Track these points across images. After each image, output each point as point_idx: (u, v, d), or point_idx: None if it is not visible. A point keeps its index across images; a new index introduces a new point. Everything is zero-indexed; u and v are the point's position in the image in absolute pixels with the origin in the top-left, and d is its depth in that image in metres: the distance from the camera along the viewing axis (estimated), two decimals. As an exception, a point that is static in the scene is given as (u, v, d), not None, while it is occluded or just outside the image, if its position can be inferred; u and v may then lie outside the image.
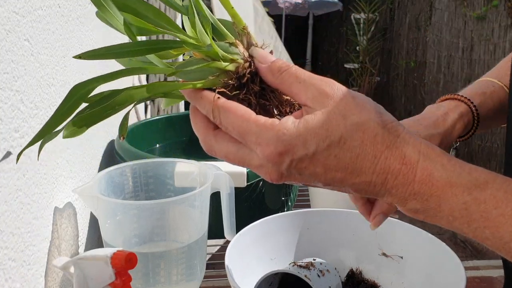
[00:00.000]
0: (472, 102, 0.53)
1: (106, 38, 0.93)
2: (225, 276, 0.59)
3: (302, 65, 6.30)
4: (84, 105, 0.38)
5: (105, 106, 0.34)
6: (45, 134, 0.36)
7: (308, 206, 0.93)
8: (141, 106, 1.37)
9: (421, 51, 4.03)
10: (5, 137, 0.50)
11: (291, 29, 6.08)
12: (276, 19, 4.44)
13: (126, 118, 0.39)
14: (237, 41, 0.38)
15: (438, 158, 0.34)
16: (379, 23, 4.78)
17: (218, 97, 0.36)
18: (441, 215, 0.34)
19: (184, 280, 0.68)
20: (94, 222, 0.82)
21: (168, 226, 0.68)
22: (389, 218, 0.66)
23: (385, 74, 4.87)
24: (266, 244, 0.68)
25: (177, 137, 1.13)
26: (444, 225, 0.35)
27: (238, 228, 0.67)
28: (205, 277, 0.73)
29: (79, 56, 0.35)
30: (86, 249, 0.78)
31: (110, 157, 0.96)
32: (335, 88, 0.35)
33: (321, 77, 0.36)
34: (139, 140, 1.03)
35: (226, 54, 0.37)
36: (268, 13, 4.27)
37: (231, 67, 0.37)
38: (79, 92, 0.36)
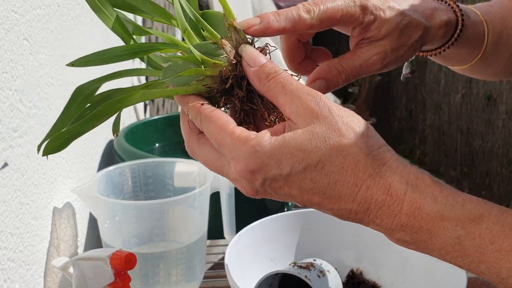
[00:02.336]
0: (462, 16, 0.45)
1: (105, 37, 0.92)
2: (225, 276, 0.59)
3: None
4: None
5: (92, 116, 0.33)
6: (53, 134, 0.35)
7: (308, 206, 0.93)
8: (140, 106, 1.37)
9: (422, 51, 4.01)
10: (4, 136, 0.49)
11: (292, 29, 6.07)
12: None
13: (119, 115, 0.38)
14: (223, 40, 0.36)
15: (428, 189, 0.32)
16: (380, 22, 4.77)
17: (202, 104, 0.35)
18: (433, 248, 0.32)
19: (183, 281, 0.68)
20: (93, 222, 0.81)
21: (167, 226, 0.68)
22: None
23: (385, 74, 4.87)
24: (266, 244, 0.67)
25: (177, 137, 1.12)
26: (436, 257, 0.33)
27: (238, 228, 0.67)
28: (204, 277, 0.73)
29: (72, 64, 0.34)
30: (85, 250, 0.77)
31: (109, 157, 0.95)
32: (321, 104, 0.32)
33: (309, 90, 0.33)
34: (138, 140, 1.02)
35: (207, 58, 0.35)
36: (268, 12, 4.26)
37: (212, 71, 0.35)
38: (83, 93, 0.35)
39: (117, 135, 0.39)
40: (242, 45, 0.36)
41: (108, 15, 0.36)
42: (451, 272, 0.58)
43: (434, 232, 0.31)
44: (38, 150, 0.35)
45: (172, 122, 1.14)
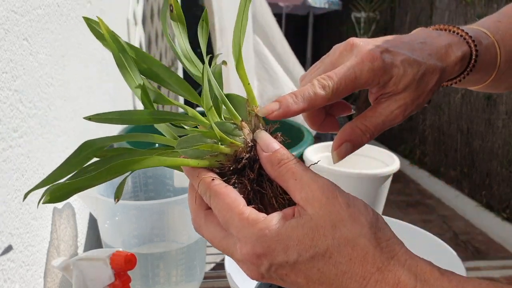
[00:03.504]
0: (476, 46, 0.44)
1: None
2: (225, 277, 0.59)
3: (302, 64, 6.31)
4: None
5: (103, 171, 0.33)
6: (50, 182, 0.35)
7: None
8: (140, 105, 1.37)
9: (422, 51, 4.00)
10: (4, 137, 0.49)
11: (291, 28, 6.07)
12: (276, 18, 4.44)
13: (124, 181, 0.39)
14: (243, 122, 0.37)
15: (437, 282, 0.31)
16: (380, 22, 4.78)
17: (213, 179, 0.35)
18: None
19: (183, 281, 0.68)
20: (93, 223, 0.81)
21: (167, 226, 0.68)
22: (389, 218, 0.66)
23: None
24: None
25: (177, 137, 1.13)
26: None
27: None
28: (204, 277, 0.73)
29: (89, 118, 0.35)
30: (85, 250, 0.77)
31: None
32: (329, 193, 0.32)
33: (318, 177, 0.33)
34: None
35: (225, 137, 0.36)
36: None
37: (228, 150, 0.36)
38: (88, 149, 0.36)
39: (118, 200, 0.40)
40: (257, 131, 0.37)
41: (135, 81, 0.37)
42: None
43: None
44: (25, 197, 0.35)
45: (172, 122, 1.14)
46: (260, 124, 0.37)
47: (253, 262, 0.32)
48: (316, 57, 6.48)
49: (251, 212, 0.33)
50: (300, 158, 0.82)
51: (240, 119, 0.37)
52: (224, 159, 0.36)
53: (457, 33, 0.45)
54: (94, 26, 0.38)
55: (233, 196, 0.34)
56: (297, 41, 6.61)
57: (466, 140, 3.23)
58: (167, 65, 1.98)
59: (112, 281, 0.56)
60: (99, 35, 0.39)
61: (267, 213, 0.34)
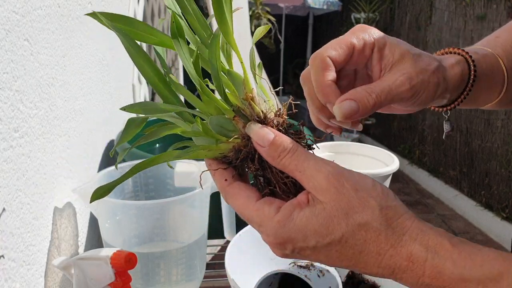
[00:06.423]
0: (471, 57, 0.47)
1: (105, 38, 0.92)
2: (225, 276, 0.59)
3: (302, 64, 6.31)
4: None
5: (129, 171, 0.38)
6: (120, 143, 0.40)
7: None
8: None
9: (421, 51, 4.00)
10: (4, 137, 0.50)
11: (291, 29, 6.07)
12: (276, 19, 4.45)
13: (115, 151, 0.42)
14: (236, 118, 0.37)
15: (447, 254, 0.33)
16: (379, 22, 4.78)
17: (225, 179, 0.37)
18: None
19: (184, 280, 0.68)
20: (94, 222, 0.81)
21: (168, 226, 0.68)
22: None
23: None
24: (266, 244, 0.68)
25: (177, 137, 1.13)
26: None
27: (238, 228, 0.67)
28: (205, 277, 0.73)
29: (124, 109, 0.38)
30: (86, 249, 0.78)
31: (110, 157, 0.95)
32: (336, 180, 0.34)
33: (321, 165, 0.35)
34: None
35: (220, 137, 0.37)
36: (268, 12, 4.29)
37: (226, 146, 0.37)
38: (134, 122, 0.40)
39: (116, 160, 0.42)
40: (248, 124, 0.36)
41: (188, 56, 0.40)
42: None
43: None
44: (112, 153, 0.40)
45: (172, 122, 1.14)
46: (254, 114, 0.37)
47: (277, 247, 0.36)
48: (315, 57, 6.47)
49: (264, 206, 0.36)
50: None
51: (233, 114, 0.37)
52: (227, 151, 0.38)
53: (450, 52, 0.48)
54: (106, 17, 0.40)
55: (245, 194, 0.36)
56: (297, 41, 6.60)
57: (466, 140, 3.23)
58: (167, 65, 1.98)
59: (113, 280, 0.56)
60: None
61: (278, 196, 0.37)
